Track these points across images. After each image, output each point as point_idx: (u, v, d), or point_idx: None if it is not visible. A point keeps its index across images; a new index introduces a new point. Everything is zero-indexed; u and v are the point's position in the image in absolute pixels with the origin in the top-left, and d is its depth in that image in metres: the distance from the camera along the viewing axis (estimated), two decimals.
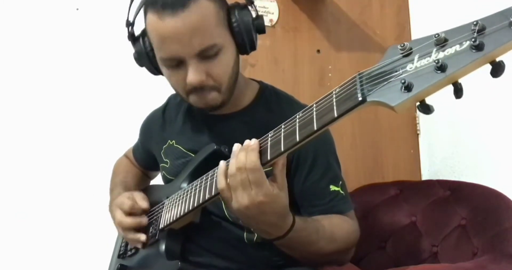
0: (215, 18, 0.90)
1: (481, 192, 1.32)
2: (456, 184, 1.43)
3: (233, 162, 0.77)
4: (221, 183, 0.80)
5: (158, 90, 1.33)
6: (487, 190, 1.30)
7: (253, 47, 0.97)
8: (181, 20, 0.85)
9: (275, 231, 0.83)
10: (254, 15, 0.96)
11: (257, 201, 0.76)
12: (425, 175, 1.92)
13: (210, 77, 0.91)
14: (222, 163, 0.81)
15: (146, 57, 0.97)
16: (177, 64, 0.90)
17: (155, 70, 1.00)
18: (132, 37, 1.00)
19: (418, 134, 1.94)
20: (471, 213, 1.30)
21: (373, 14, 1.89)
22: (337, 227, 0.94)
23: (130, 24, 1.00)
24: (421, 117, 1.93)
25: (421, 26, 1.89)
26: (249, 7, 0.95)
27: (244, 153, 0.76)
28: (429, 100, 0.54)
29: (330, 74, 1.81)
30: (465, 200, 1.35)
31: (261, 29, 0.97)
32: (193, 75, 0.88)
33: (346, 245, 0.96)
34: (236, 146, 0.80)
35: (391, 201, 1.56)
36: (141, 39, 0.98)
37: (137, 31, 1.01)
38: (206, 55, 0.89)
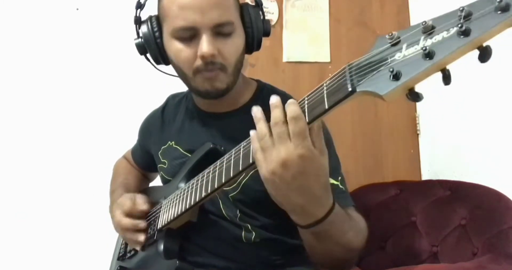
0: (234, 1, 0.94)
1: (481, 192, 1.31)
2: (456, 184, 1.42)
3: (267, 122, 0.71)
4: (255, 146, 0.71)
5: (158, 90, 1.34)
6: (487, 190, 1.29)
7: (258, 46, 1.00)
8: None
9: (316, 209, 0.71)
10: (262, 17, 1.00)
11: (297, 153, 0.64)
12: (425, 175, 1.91)
13: (220, 55, 0.91)
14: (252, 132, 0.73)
15: (153, 40, 0.96)
16: (190, 36, 0.90)
17: (159, 56, 0.98)
18: (138, 20, 1.00)
19: (418, 134, 1.94)
20: (471, 213, 1.29)
21: (373, 14, 1.89)
22: (356, 219, 0.87)
23: (140, 6, 1.01)
24: (421, 117, 1.92)
25: None
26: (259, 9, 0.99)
27: (279, 110, 0.69)
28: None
29: (330, 74, 1.80)
30: (465, 200, 1.34)
31: (267, 32, 1.00)
32: (206, 47, 0.88)
33: (363, 242, 0.86)
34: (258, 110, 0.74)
35: (391, 201, 1.55)
36: (148, 22, 0.97)
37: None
38: (221, 31, 0.90)
